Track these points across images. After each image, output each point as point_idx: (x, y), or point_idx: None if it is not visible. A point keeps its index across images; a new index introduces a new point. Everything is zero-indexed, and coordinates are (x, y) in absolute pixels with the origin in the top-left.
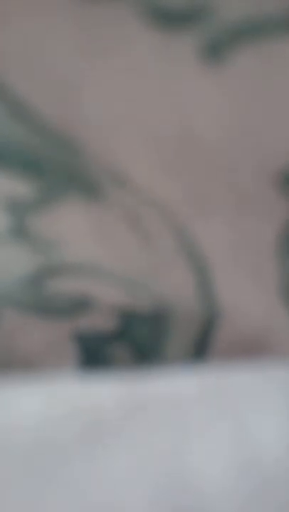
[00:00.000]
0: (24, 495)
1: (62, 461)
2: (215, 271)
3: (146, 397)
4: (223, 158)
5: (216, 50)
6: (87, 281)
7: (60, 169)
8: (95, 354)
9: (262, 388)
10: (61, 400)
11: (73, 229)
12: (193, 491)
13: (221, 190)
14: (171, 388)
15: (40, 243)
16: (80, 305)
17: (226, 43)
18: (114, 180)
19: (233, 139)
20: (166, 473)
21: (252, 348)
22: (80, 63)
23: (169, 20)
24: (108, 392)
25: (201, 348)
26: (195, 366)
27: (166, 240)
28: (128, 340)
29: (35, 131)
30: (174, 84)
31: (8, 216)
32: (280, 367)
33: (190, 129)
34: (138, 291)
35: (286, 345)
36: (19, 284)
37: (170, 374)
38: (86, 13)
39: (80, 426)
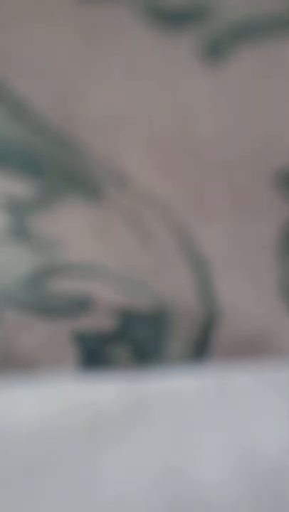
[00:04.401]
0: (25, 492)
1: (63, 458)
2: (215, 271)
3: (146, 395)
4: (223, 158)
5: (216, 49)
6: (87, 281)
7: (60, 169)
8: (95, 354)
9: (262, 388)
10: (61, 399)
11: (73, 229)
12: (192, 485)
13: (220, 191)
14: (171, 387)
15: (40, 243)
16: (80, 305)
17: (226, 43)
18: (115, 181)
19: (233, 139)
20: (166, 467)
21: (252, 348)
22: (80, 63)
23: (169, 20)
24: (108, 391)
25: (201, 347)
26: (195, 366)
27: (166, 239)
28: (128, 340)
29: (35, 131)
30: (174, 83)
31: (8, 216)
32: (280, 367)
33: (190, 128)
34: (138, 291)
35: (286, 345)
36: (19, 284)
37: (170, 373)
38: (86, 13)
39: (80, 425)
